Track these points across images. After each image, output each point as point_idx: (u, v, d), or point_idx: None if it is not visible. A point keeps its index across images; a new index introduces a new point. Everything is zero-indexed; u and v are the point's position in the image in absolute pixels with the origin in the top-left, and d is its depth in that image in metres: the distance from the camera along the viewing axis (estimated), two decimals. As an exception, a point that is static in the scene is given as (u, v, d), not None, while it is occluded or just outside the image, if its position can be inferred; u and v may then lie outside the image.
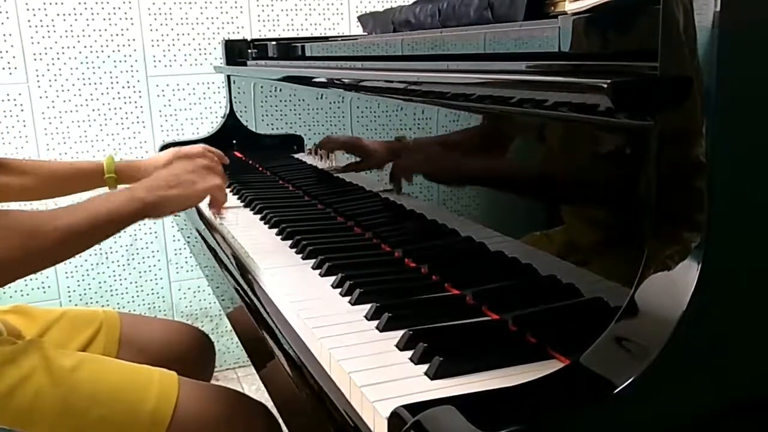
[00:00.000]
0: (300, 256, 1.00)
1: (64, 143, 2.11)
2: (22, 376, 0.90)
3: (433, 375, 0.62)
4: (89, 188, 1.34)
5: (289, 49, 1.59)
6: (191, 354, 1.25)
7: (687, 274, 0.48)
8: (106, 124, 2.16)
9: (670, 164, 0.50)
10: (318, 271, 0.93)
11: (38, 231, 0.88)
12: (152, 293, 2.30)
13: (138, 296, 2.28)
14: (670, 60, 0.49)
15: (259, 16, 2.27)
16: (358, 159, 1.15)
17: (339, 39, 1.56)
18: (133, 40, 2.15)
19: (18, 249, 0.85)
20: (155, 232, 2.27)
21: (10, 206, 0.95)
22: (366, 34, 1.49)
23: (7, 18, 2.01)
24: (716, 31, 0.46)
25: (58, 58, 2.08)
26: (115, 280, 2.25)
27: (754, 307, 0.51)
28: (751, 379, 0.53)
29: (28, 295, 2.13)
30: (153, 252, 2.28)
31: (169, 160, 1.30)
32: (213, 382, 1.27)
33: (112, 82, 2.15)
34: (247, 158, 1.78)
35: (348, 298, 0.82)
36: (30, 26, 2.04)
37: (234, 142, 1.80)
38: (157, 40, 2.17)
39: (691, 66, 0.47)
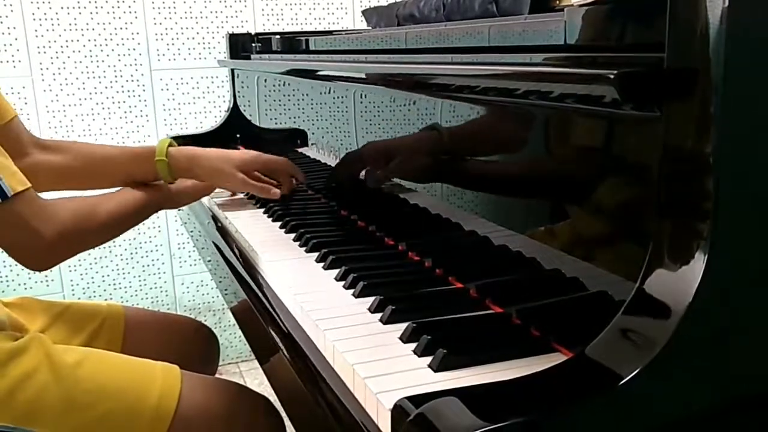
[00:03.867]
0: (304, 249, 1.00)
1: (68, 137, 2.11)
2: (24, 374, 0.90)
3: (437, 367, 0.61)
4: (136, 172, 1.17)
5: (293, 43, 1.59)
6: (196, 348, 1.25)
7: (693, 267, 0.47)
8: (109, 118, 2.16)
9: (676, 157, 0.50)
10: (322, 264, 0.92)
11: (87, 214, 1.00)
12: (155, 287, 2.30)
13: (141, 290, 2.29)
14: (677, 51, 0.49)
15: (263, 10, 2.27)
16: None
17: (343, 33, 1.55)
18: (137, 33, 2.15)
19: (71, 230, 0.96)
20: (158, 227, 2.27)
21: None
22: (370, 28, 1.48)
23: (12, 11, 2.01)
24: (724, 23, 0.45)
25: (62, 52, 2.08)
26: (119, 274, 2.26)
27: (760, 300, 0.51)
28: (756, 373, 0.52)
29: (31, 288, 2.14)
30: (156, 246, 2.28)
31: (243, 161, 1.20)
32: (216, 376, 1.28)
33: (115, 76, 2.15)
34: (251, 152, 1.77)
35: (351, 291, 0.82)
36: (34, 19, 2.04)
37: (237, 136, 1.80)
38: (161, 34, 2.17)
39: (699, 58, 0.47)
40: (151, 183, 1.15)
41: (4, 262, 2.11)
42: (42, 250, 0.94)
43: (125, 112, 2.18)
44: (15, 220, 0.91)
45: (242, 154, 1.23)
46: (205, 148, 1.23)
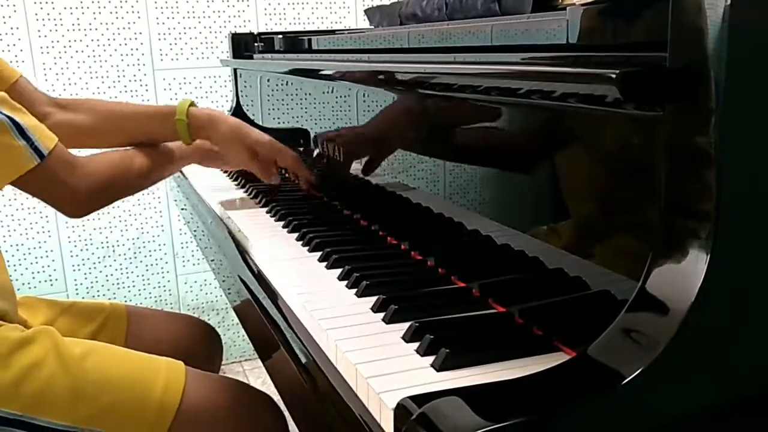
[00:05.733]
0: (306, 248, 1.00)
1: (71, 136, 2.11)
2: (32, 363, 0.91)
3: (440, 367, 0.61)
4: (155, 131, 1.18)
5: (295, 42, 1.59)
6: (199, 347, 1.25)
7: (695, 266, 0.47)
8: (112, 118, 2.16)
9: (678, 155, 0.50)
10: (324, 263, 0.92)
11: (121, 165, 1.07)
12: (159, 286, 2.31)
13: (144, 289, 2.29)
14: (679, 50, 0.48)
15: (265, 9, 2.27)
16: (364, 152, 1.15)
17: (346, 32, 1.55)
18: (140, 33, 2.15)
19: (107, 180, 1.04)
20: (162, 226, 2.28)
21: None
22: (373, 27, 1.48)
23: (15, 11, 2.02)
24: (726, 22, 0.45)
25: (65, 52, 2.09)
26: (122, 273, 2.26)
27: (762, 300, 0.51)
28: (758, 373, 0.52)
29: (35, 287, 2.14)
30: (160, 245, 2.29)
31: (258, 142, 1.21)
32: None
33: (118, 76, 2.15)
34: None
35: (354, 291, 0.82)
36: (37, 19, 2.04)
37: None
38: (164, 34, 2.18)
39: (701, 57, 0.47)
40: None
41: (8, 261, 2.11)
42: (80, 201, 1.02)
43: (128, 111, 2.18)
44: (53, 177, 0.96)
45: (259, 135, 1.23)
46: (226, 114, 1.26)
